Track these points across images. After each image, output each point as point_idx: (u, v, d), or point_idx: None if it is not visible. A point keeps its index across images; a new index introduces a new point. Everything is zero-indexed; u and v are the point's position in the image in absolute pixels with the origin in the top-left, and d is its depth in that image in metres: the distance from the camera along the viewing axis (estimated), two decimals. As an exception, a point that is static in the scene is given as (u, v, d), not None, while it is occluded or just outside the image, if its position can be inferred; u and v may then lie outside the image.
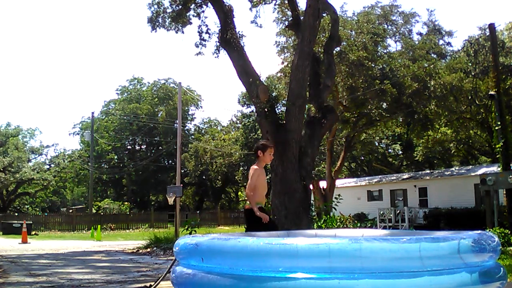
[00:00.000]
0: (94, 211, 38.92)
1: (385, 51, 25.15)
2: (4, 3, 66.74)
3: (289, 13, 16.58)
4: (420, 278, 2.76)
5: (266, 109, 11.81)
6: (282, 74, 25.35)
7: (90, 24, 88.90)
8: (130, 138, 51.86)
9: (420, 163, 37.04)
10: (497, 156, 18.87)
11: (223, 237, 3.37)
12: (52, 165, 48.94)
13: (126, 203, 47.38)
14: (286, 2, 15.85)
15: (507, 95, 22.14)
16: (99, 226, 25.96)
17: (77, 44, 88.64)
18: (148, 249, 14.37)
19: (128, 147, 53.47)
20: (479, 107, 25.08)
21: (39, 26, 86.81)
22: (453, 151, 34.16)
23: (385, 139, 38.69)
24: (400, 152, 40.35)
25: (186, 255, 3.47)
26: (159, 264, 10.42)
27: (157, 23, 14.99)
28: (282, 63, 24.82)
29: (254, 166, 5.60)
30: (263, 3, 15.48)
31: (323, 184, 25.56)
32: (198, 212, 42.10)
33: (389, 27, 25.75)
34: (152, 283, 5.76)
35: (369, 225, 22.38)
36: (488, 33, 20.04)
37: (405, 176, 29.49)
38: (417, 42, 25.88)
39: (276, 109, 13.71)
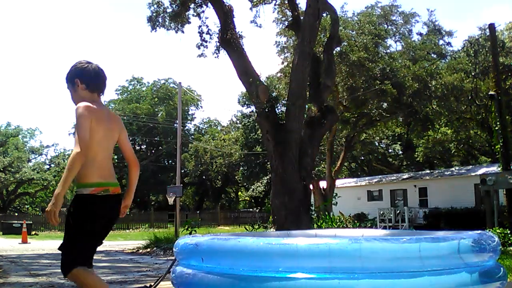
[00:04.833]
0: (94, 211, 38.85)
1: (385, 51, 25.14)
2: (4, 3, 66.76)
3: (289, 13, 16.57)
4: (420, 278, 2.76)
5: (266, 109, 11.81)
6: (282, 74, 25.32)
7: (90, 24, 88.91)
8: (130, 138, 51.74)
9: (420, 163, 37.03)
10: (497, 156, 18.88)
11: (223, 237, 3.37)
12: (52, 165, 48.93)
13: (126, 203, 47.32)
14: (286, 2, 15.85)
15: (507, 95, 22.11)
16: (99, 226, 25.92)
17: (77, 44, 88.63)
18: (148, 249, 14.36)
19: (128, 147, 53.40)
20: (479, 107, 25.10)
21: (39, 26, 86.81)
22: (453, 151, 34.19)
23: (385, 139, 38.67)
24: (400, 152, 40.34)
25: (186, 255, 3.47)
26: (159, 264, 10.41)
27: (157, 23, 15.03)
28: (282, 63, 24.81)
29: None
30: (263, 3, 15.50)
31: (323, 184, 25.52)
32: (198, 212, 42.10)
33: (389, 27, 25.74)
34: (152, 283, 5.75)
35: (369, 225, 22.35)
36: (488, 33, 20.03)
37: (405, 176, 29.47)
38: (417, 42, 25.87)
39: (276, 109, 13.71)
